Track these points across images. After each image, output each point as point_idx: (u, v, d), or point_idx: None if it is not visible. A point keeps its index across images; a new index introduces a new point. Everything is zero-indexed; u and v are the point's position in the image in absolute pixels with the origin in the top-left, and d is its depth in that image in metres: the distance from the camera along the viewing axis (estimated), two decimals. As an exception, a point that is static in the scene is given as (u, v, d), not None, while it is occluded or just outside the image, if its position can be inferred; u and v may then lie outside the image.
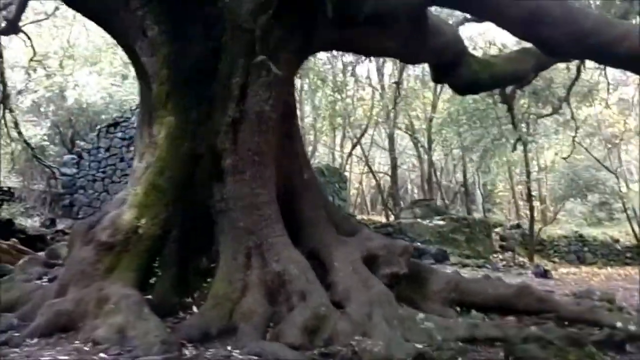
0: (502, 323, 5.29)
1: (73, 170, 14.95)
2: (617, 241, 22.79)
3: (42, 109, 16.85)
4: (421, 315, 5.09)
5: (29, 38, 10.33)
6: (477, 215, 23.74)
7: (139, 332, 4.01)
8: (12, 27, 9.74)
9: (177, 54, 5.07)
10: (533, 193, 22.56)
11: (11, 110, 14.06)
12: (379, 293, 5.05)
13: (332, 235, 5.60)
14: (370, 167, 23.64)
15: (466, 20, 8.46)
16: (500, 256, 19.96)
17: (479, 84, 8.44)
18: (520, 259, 19.97)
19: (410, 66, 19.59)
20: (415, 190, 29.53)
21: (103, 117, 16.80)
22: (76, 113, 17.16)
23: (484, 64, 8.14)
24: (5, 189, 16.46)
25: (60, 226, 14.55)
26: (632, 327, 5.31)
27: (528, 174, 21.11)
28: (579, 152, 22.54)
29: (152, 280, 4.91)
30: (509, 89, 9.79)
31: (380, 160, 28.23)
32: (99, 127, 14.94)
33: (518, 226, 23.90)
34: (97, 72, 16.80)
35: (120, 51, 16.31)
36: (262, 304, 4.64)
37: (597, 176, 20.61)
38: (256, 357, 3.97)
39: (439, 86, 21.07)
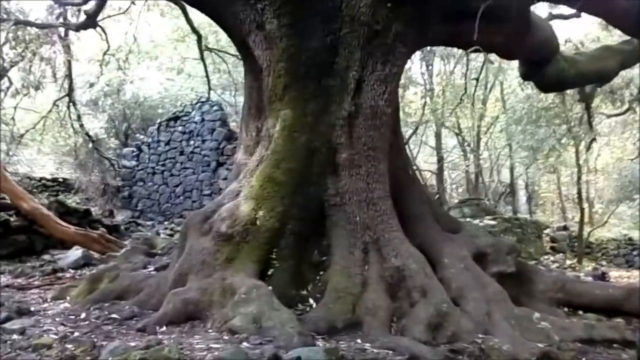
0: (616, 325, 5.17)
1: (133, 163, 15.20)
2: (667, 245, 22.22)
3: (100, 103, 17.15)
4: (537, 314, 5.02)
5: (104, 32, 10.51)
6: (522, 216, 23.37)
7: (276, 323, 4.03)
8: (91, 22, 9.92)
9: (295, 47, 5.08)
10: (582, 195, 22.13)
11: (74, 104, 14.37)
12: (495, 292, 5.01)
13: (438, 231, 5.56)
14: (417, 166, 23.46)
15: (552, 17, 8.31)
16: (552, 258, 19.64)
17: (565, 82, 8.31)
18: (569, 261, 19.64)
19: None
20: (459, 190, 29.23)
21: (159, 111, 17.04)
22: (132, 107, 17.43)
23: (570, 62, 7.99)
24: (61, 179, 16.83)
25: (118, 217, 14.82)
26: None
27: (580, 175, 20.68)
28: (631, 154, 22.07)
29: (269, 272, 4.92)
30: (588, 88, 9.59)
31: (425, 159, 28.00)
32: (159, 120, 15.15)
33: (565, 228, 23.49)
34: (157, 67, 17.05)
35: (179, 46, 16.61)
36: (384, 298, 4.63)
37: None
38: (391, 352, 3.95)
39: (489, 85, 20.87)
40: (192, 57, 16.67)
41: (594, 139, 11.11)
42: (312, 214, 5.19)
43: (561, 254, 19.49)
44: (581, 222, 20.93)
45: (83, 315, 4.75)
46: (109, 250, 7.42)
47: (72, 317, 4.69)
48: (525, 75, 7.87)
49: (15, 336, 3.82)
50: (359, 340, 4.22)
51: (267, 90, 5.33)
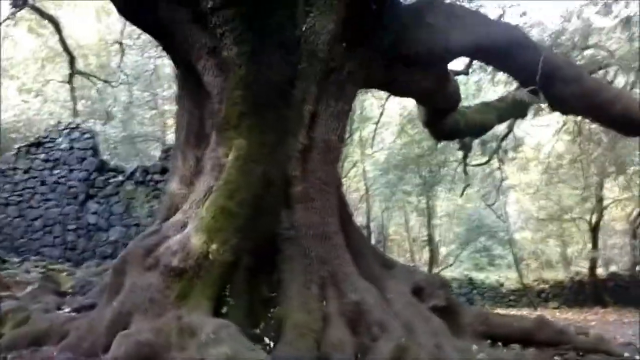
0: (537, 354, 5.64)
1: (-20, 192, 13.32)
2: (502, 285, 24.84)
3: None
4: (475, 346, 5.32)
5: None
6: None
7: (254, 364, 3.78)
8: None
9: (254, 75, 4.93)
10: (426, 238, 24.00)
11: None
12: (438, 325, 5.21)
13: (379, 267, 5.68)
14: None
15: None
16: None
17: (458, 132, 9.13)
18: (419, 299, 21.07)
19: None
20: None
21: (12, 135, 15.24)
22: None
23: (461, 114, 8.82)
24: None
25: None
26: (637, 357, 5.99)
27: (429, 219, 22.47)
28: (470, 201, 24.56)
29: (223, 310, 4.61)
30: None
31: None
32: (18, 146, 13.51)
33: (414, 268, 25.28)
34: (18, 88, 15.29)
35: (46, 65, 15.19)
36: (347, 334, 4.57)
37: (488, 224, 22.42)
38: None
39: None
40: (55, 79, 15.38)
41: (468, 185, 12.24)
42: (264, 248, 5.00)
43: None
44: (430, 263, 22.65)
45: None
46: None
47: (-8, 368, 3.95)
48: (428, 123, 8.47)
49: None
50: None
51: (217, 118, 5.10)
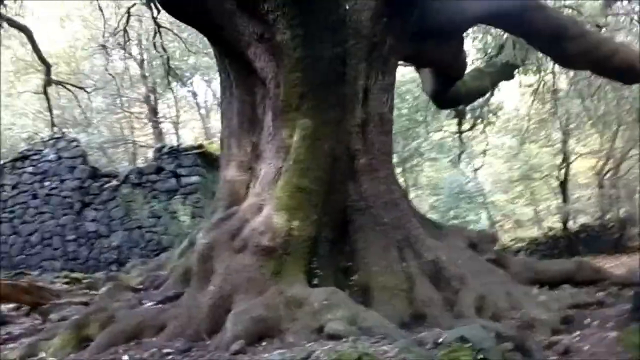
0: (587, 291, 6.08)
1: (-32, 213, 12.92)
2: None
3: None
4: (535, 290, 5.71)
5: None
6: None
7: (374, 322, 4.03)
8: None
9: (311, 57, 5.10)
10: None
11: None
12: (500, 275, 5.58)
13: (432, 227, 5.98)
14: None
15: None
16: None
17: (459, 98, 9.53)
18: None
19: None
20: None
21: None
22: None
23: (461, 82, 9.18)
24: None
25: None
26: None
27: (407, 190, 22.95)
28: (439, 171, 25.27)
29: (315, 282, 4.83)
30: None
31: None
32: (2, 162, 13.14)
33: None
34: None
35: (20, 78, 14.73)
36: (433, 290, 4.86)
37: (468, 189, 23.12)
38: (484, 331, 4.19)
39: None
40: (29, 90, 15.00)
41: (462, 152, 12.72)
42: (338, 220, 5.23)
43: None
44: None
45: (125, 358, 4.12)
46: (44, 300, 6.28)
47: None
48: (434, 93, 8.79)
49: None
50: (437, 329, 4.39)
51: (276, 102, 5.26)
